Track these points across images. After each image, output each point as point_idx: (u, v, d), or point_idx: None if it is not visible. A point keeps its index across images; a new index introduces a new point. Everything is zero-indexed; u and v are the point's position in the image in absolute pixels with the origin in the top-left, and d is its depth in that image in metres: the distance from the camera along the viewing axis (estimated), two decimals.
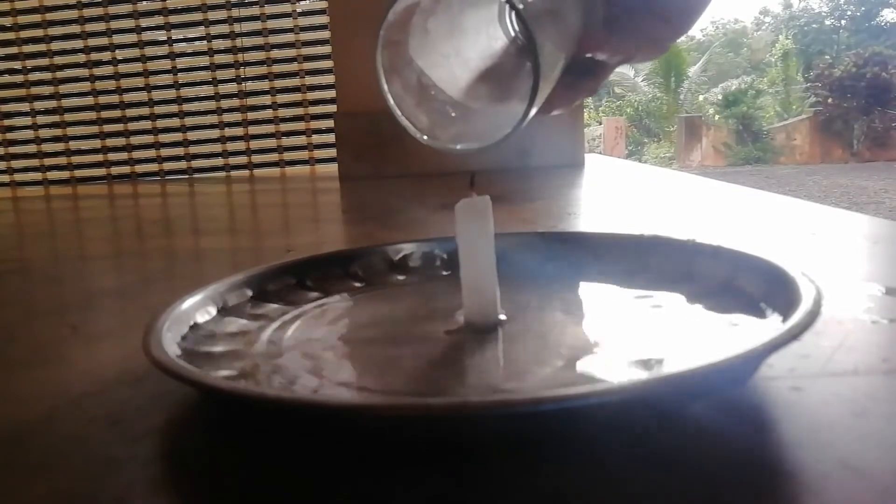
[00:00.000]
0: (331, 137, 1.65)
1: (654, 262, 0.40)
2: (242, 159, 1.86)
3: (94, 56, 1.84)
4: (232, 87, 1.83)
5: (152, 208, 1.30)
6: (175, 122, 1.87)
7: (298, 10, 1.78)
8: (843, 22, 16.60)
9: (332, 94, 1.71)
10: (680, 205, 0.87)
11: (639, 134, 14.52)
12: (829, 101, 11.41)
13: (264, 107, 1.83)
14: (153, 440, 0.25)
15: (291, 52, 1.79)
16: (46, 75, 1.86)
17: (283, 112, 1.83)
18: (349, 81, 1.46)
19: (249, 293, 0.38)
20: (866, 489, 0.20)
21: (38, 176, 1.92)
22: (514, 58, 0.32)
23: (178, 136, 1.87)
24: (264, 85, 1.82)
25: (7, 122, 1.91)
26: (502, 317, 0.33)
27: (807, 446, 0.22)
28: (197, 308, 0.34)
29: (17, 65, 1.86)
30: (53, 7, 1.83)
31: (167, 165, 1.89)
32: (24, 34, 1.85)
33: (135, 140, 1.88)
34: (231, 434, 0.25)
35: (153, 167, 1.89)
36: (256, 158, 1.86)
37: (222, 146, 1.87)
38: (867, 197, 5.74)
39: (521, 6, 0.26)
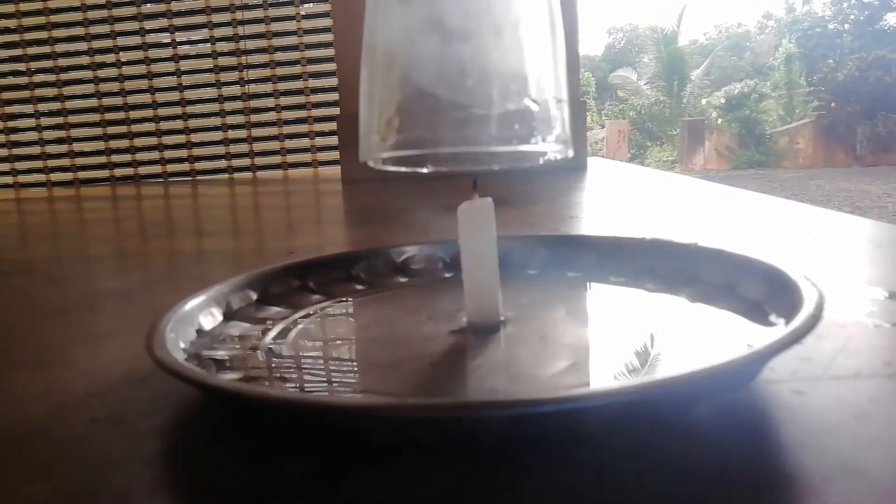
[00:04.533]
0: (334, 140, 1.66)
1: (656, 266, 0.40)
2: (245, 161, 1.87)
3: (98, 58, 1.85)
4: (235, 90, 1.84)
5: (155, 210, 1.31)
6: (179, 124, 1.87)
7: (302, 12, 1.78)
8: (846, 26, 16.58)
9: (335, 96, 1.71)
10: (682, 208, 0.87)
11: (641, 137, 14.51)
12: (832, 105, 11.39)
13: (267, 109, 1.84)
14: (155, 440, 0.25)
15: (295, 55, 1.80)
16: (50, 77, 1.87)
17: (286, 114, 1.83)
18: (352, 84, 1.46)
19: (252, 295, 0.38)
20: (868, 492, 0.19)
21: (41, 178, 1.93)
22: None
23: (181, 138, 1.88)
24: (268, 87, 1.83)
25: (11, 124, 1.91)
26: (504, 318, 0.33)
27: (808, 449, 0.22)
28: (200, 309, 0.34)
29: (21, 66, 1.87)
30: (58, 9, 1.84)
31: (170, 167, 1.89)
32: (29, 36, 1.86)
33: (138, 142, 1.89)
34: (233, 435, 0.25)
35: (157, 169, 1.90)
36: (259, 160, 1.87)
37: (225, 148, 1.87)
38: (870, 201, 5.72)
39: None
